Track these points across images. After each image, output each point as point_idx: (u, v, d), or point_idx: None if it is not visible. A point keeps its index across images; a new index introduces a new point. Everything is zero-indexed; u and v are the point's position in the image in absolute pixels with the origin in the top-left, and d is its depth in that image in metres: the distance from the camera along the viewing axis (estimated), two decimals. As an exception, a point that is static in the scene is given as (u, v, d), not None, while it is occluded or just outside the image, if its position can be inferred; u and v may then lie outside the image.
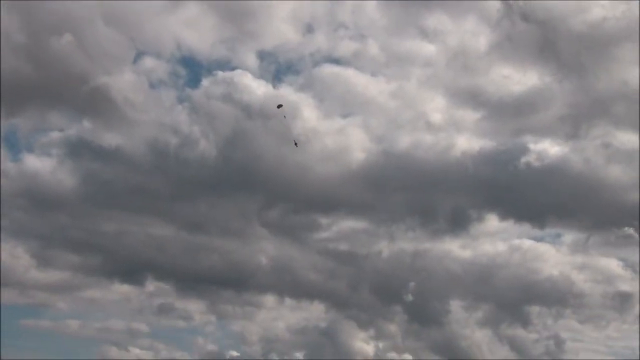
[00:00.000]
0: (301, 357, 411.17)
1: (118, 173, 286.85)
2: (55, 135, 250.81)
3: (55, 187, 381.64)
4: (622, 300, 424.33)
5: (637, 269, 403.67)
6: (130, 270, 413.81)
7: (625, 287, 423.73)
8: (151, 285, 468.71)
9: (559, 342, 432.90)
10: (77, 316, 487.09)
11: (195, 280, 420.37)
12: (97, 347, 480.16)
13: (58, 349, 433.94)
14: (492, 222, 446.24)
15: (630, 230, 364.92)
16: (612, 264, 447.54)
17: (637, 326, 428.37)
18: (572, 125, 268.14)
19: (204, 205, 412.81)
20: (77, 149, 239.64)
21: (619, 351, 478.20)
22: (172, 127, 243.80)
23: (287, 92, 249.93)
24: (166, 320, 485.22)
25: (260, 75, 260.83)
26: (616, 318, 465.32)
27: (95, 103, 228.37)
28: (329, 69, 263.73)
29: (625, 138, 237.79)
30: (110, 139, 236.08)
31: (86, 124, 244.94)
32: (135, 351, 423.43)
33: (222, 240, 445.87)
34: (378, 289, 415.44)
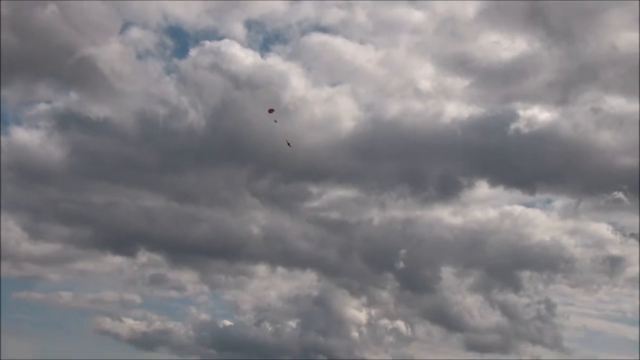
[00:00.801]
0: (294, 326, 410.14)
1: (107, 145, 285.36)
2: (42, 107, 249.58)
3: (45, 159, 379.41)
4: (612, 264, 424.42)
5: (627, 233, 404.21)
6: (122, 241, 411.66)
7: (615, 251, 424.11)
8: (143, 257, 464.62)
9: (550, 306, 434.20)
10: (69, 288, 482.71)
11: (187, 250, 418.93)
12: (90, 318, 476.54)
13: (51, 320, 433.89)
14: (483, 188, 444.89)
15: (620, 195, 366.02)
16: (602, 229, 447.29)
17: (627, 289, 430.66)
18: (562, 91, 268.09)
19: (194, 175, 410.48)
20: (65, 121, 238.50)
21: (610, 314, 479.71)
22: (160, 98, 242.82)
23: (275, 62, 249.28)
24: (159, 290, 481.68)
25: (248, 44, 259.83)
26: (606, 282, 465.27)
27: (82, 74, 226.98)
28: (317, 38, 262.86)
29: (615, 103, 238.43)
30: (98, 110, 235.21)
31: (73, 95, 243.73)
32: (129, 322, 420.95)
33: (212, 211, 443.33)
34: (369, 256, 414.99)
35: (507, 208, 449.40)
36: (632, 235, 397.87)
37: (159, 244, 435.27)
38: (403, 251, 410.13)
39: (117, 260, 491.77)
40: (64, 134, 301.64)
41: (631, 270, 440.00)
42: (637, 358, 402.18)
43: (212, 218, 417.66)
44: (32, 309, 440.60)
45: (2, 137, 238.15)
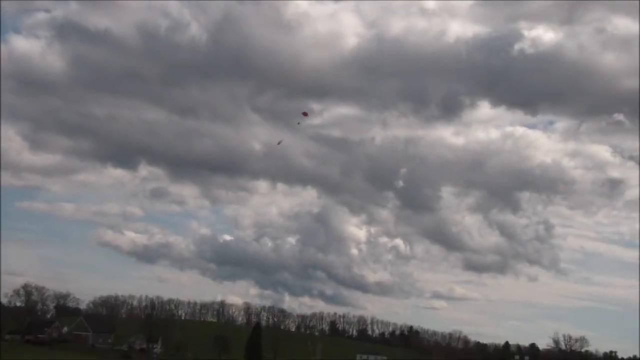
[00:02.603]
0: (294, 242, 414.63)
1: (108, 56, 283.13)
2: (41, 16, 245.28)
3: (45, 69, 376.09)
4: (611, 187, 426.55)
5: (626, 155, 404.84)
6: (123, 154, 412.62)
7: (615, 173, 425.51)
8: (144, 170, 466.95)
9: (549, 228, 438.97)
10: (71, 199, 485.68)
11: (188, 165, 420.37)
12: (92, 230, 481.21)
13: (53, 230, 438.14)
14: (485, 109, 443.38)
15: (620, 116, 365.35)
16: (602, 151, 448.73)
17: (626, 212, 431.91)
18: (567, 10, 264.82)
19: (195, 90, 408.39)
20: (65, 31, 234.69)
21: (608, 236, 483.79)
22: (162, 10, 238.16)
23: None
24: (160, 204, 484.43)
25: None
26: (606, 204, 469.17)
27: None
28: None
29: (620, 23, 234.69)
30: (98, 21, 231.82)
31: (73, 4, 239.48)
32: (130, 234, 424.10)
33: (214, 125, 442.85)
34: (370, 175, 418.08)
35: (508, 129, 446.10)
36: (631, 157, 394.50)
37: (160, 157, 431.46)
38: (404, 170, 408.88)
39: (119, 173, 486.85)
40: (64, 44, 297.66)
41: (630, 193, 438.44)
42: (634, 280, 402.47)
43: (213, 133, 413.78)
44: (35, 219, 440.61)
45: (1, 45, 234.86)
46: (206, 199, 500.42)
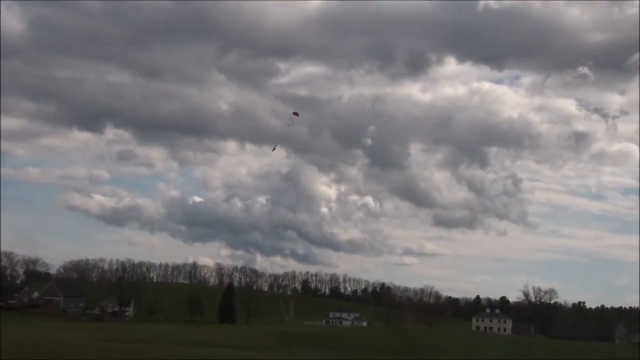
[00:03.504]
0: (263, 202, 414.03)
1: (69, 18, 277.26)
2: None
3: (4, 31, 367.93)
4: (577, 140, 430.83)
5: (591, 108, 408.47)
6: (89, 117, 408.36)
7: (580, 127, 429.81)
8: (110, 133, 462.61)
9: (516, 182, 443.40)
10: (37, 164, 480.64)
11: (155, 127, 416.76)
12: (59, 194, 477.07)
13: (20, 195, 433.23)
14: (451, 65, 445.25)
15: (585, 70, 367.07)
16: (568, 105, 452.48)
17: (592, 165, 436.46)
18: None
19: (160, 51, 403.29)
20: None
21: (575, 189, 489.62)
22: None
23: None
24: (127, 167, 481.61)
25: None
26: (572, 157, 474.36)
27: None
28: None
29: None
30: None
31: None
32: (98, 198, 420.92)
33: (179, 87, 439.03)
34: (338, 133, 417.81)
35: (475, 85, 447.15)
36: (596, 110, 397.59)
37: (126, 120, 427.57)
38: (372, 128, 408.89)
39: (84, 136, 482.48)
40: (24, 5, 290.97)
41: (596, 146, 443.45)
42: (601, 232, 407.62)
43: (179, 94, 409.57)
44: (1, 184, 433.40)
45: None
46: (174, 161, 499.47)
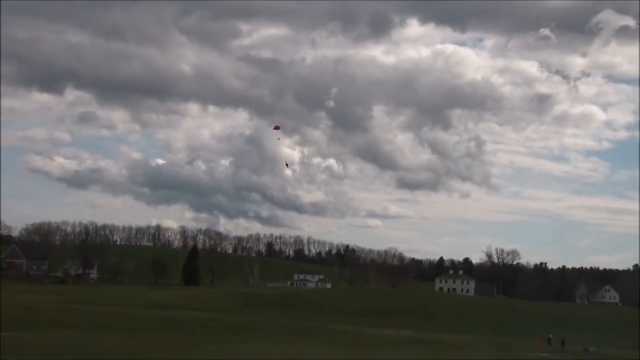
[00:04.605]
0: (227, 164, 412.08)
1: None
2: None
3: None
4: (540, 102, 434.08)
5: (553, 70, 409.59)
6: (48, 78, 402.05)
7: (543, 89, 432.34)
8: (71, 95, 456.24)
9: (480, 144, 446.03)
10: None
11: (116, 88, 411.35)
12: (20, 156, 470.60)
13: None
14: (414, 27, 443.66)
15: (547, 32, 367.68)
16: (530, 67, 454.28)
17: (554, 127, 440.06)
18: None
19: (120, 10, 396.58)
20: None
21: (538, 151, 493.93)
22: None
23: None
24: (89, 129, 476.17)
25: None
26: (534, 120, 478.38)
27: None
28: None
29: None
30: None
31: None
32: (60, 160, 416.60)
33: (140, 48, 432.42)
34: (301, 95, 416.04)
35: (438, 47, 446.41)
36: (557, 72, 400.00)
37: (87, 81, 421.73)
38: (335, 90, 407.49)
39: (44, 97, 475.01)
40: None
41: (558, 108, 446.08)
42: (562, 193, 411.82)
43: (140, 55, 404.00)
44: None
45: None
46: (136, 123, 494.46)
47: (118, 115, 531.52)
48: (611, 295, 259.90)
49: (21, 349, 57.55)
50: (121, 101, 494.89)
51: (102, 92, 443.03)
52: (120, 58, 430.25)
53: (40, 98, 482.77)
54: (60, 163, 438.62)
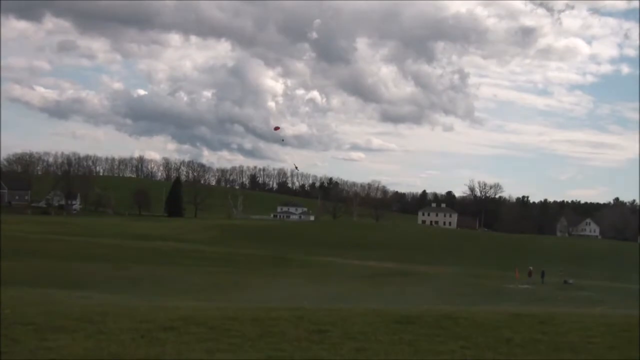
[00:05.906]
0: (209, 96, 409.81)
1: None
2: None
3: None
4: (524, 35, 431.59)
5: (538, 2, 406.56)
6: (26, 5, 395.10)
7: (528, 21, 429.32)
8: (50, 22, 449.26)
9: (463, 77, 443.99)
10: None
11: (97, 17, 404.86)
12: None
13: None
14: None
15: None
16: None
17: (538, 61, 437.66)
18: None
19: None
20: None
21: (522, 85, 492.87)
22: None
23: None
24: (69, 58, 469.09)
25: None
26: (519, 53, 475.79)
27: None
28: None
29: None
30: None
31: None
32: (40, 90, 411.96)
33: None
34: (284, 27, 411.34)
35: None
36: (542, 4, 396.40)
37: (66, 8, 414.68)
38: (318, 21, 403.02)
39: (22, 25, 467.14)
40: None
41: (542, 41, 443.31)
42: (545, 127, 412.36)
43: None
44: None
45: None
46: (117, 53, 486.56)
47: (98, 45, 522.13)
48: (592, 229, 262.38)
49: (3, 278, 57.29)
50: (101, 30, 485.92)
51: (82, 20, 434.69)
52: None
53: (18, 25, 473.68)
54: (41, 93, 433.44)
